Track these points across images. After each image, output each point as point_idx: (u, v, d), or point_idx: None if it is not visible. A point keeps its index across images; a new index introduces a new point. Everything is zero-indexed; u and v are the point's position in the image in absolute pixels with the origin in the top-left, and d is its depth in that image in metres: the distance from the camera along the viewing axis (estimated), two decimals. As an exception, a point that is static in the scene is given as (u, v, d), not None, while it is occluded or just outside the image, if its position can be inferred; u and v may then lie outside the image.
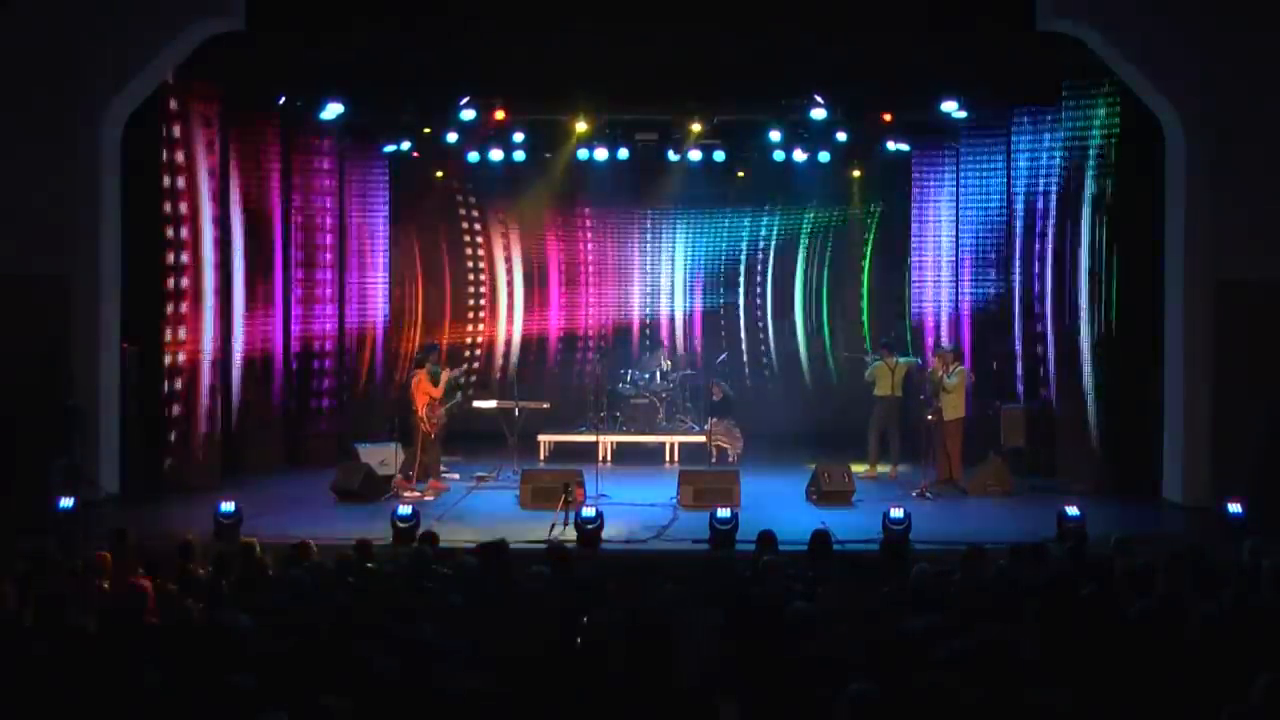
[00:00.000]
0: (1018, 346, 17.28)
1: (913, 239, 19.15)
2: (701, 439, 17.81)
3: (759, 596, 8.33)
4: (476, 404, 18.22)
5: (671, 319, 21.17)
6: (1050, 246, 16.52)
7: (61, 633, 7.21)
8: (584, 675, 6.80)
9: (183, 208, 15.78)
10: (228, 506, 13.07)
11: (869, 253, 20.74)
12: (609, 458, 17.90)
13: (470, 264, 21.10)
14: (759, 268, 21.14)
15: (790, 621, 7.60)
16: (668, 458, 18.16)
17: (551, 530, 13.05)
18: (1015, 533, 12.62)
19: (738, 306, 21.15)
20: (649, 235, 21.12)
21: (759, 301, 21.19)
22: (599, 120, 17.57)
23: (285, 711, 5.93)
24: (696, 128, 17.75)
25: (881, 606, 8.13)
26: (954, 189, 18.46)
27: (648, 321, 21.10)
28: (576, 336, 21.12)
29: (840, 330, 20.90)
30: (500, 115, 17.35)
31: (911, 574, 8.91)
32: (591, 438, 17.40)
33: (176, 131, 15.68)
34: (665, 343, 20.49)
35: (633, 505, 14.75)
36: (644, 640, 6.89)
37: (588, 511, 13.03)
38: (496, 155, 18.76)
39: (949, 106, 16.77)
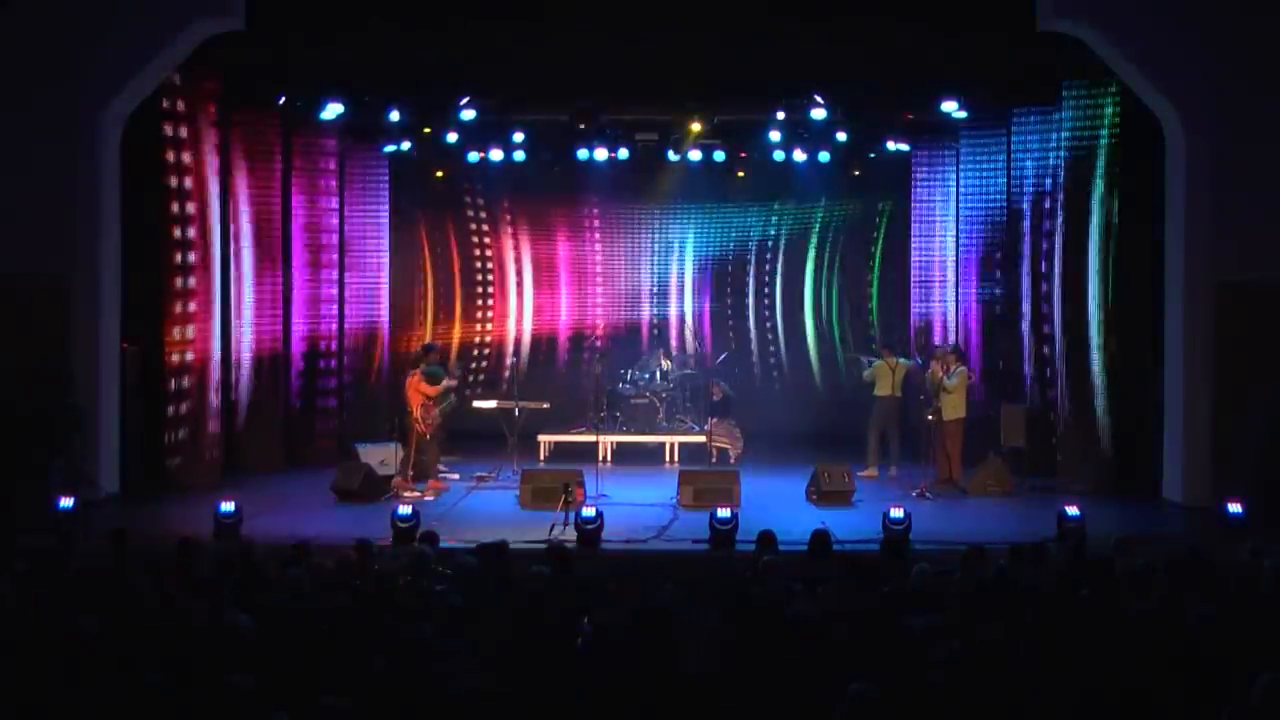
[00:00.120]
0: (1021, 347, 17.27)
1: (913, 239, 19.15)
2: (701, 439, 17.81)
3: (759, 596, 8.33)
4: (476, 404, 18.23)
5: (681, 319, 21.15)
6: (1050, 246, 16.51)
7: (61, 633, 7.21)
8: (586, 674, 6.81)
9: (182, 208, 15.77)
10: (228, 506, 13.07)
11: (878, 252, 20.68)
12: (609, 458, 17.90)
13: (470, 263, 21.09)
14: (766, 267, 21.12)
15: (790, 621, 7.61)
16: (668, 458, 18.16)
17: (551, 530, 13.05)
18: (1015, 533, 12.61)
19: (746, 306, 21.12)
20: (653, 235, 21.11)
21: (766, 301, 21.18)
22: (599, 120, 17.56)
23: (285, 711, 5.94)
24: (696, 127, 17.75)
25: (881, 606, 8.13)
26: (954, 189, 18.46)
27: (655, 322, 21.09)
28: (583, 336, 21.10)
29: (850, 330, 20.85)
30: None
31: (911, 574, 8.91)
32: (591, 438, 17.40)
33: (176, 132, 15.68)
34: (675, 342, 20.51)
35: (633, 505, 14.74)
36: (649, 638, 6.90)
37: (588, 511, 13.02)
38: (497, 155, 18.75)
39: (949, 106, 16.77)
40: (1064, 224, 16.18)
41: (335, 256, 18.51)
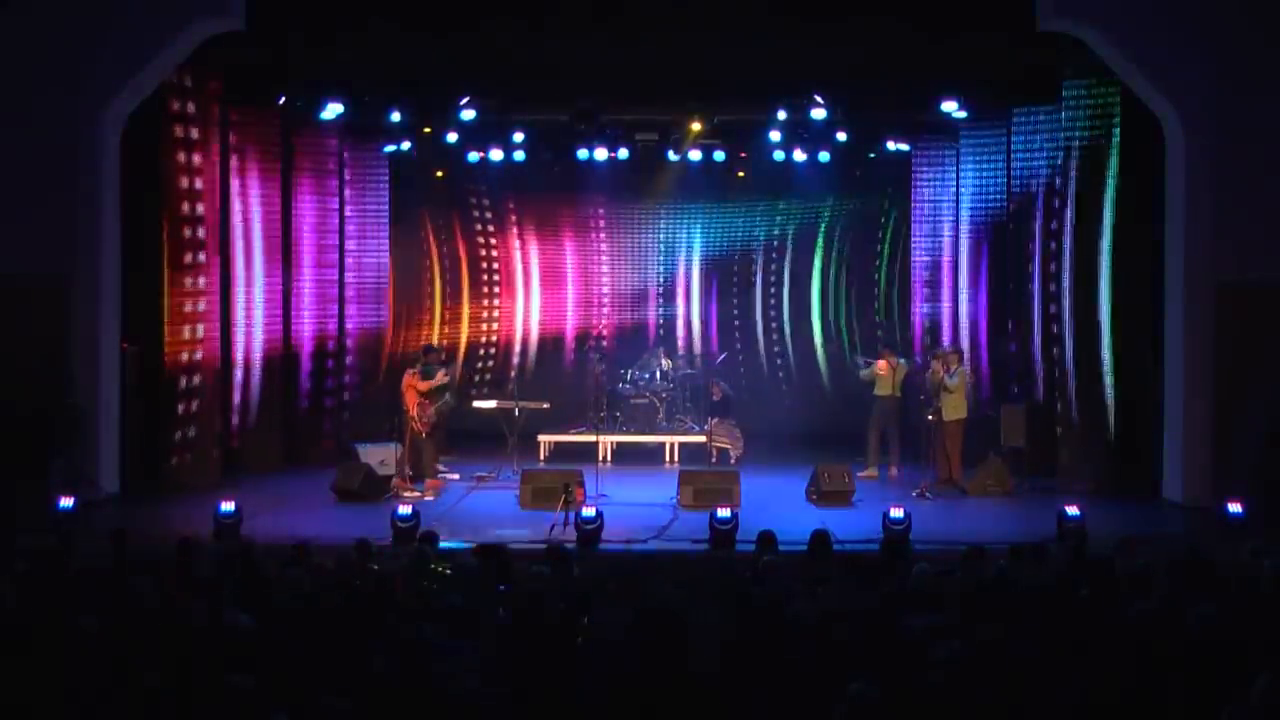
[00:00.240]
0: (1025, 346, 17.26)
1: (913, 239, 19.15)
2: (701, 439, 17.81)
3: (759, 596, 8.33)
4: (476, 404, 18.23)
5: (688, 319, 21.15)
6: (1050, 247, 16.51)
7: (61, 633, 7.21)
8: (588, 674, 6.81)
9: (182, 208, 15.78)
10: (228, 506, 13.07)
11: (885, 251, 20.63)
12: (609, 458, 17.90)
13: (459, 264, 21.08)
14: (773, 266, 21.09)
15: (790, 621, 7.61)
16: (668, 458, 18.16)
17: (551, 530, 13.05)
18: (1015, 533, 12.63)
19: (745, 306, 21.12)
20: (651, 235, 21.11)
21: (773, 301, 21.16)
22: (599, 120, 17.56)
23: (285, 712, 5.94)
24: (696, 127, 17.75)
25: (881, 606, 8.13)
26: (954, 189, 18.46)
27: (661, 321, 21.09)
28: (588, 336, 21.09)
29: (857, 330, 20.81)
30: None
31: (911, 574, 8.91)
32: (591, 438, 17.40)
33: (176, 132, 15.68)
34: (681, 342, 20.52)
35: (633, 505, 14.74)
36: (651, 638, 6.90)
37: (588, 511, 13.03)
38: (497, 155, 18.75)
39: (949, 106, 16.76)
40: (1064, 224, 16.18)
41: (335, 257, 18.51)
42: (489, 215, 21.07)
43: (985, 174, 17.83)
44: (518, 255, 21.16)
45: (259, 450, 17.41)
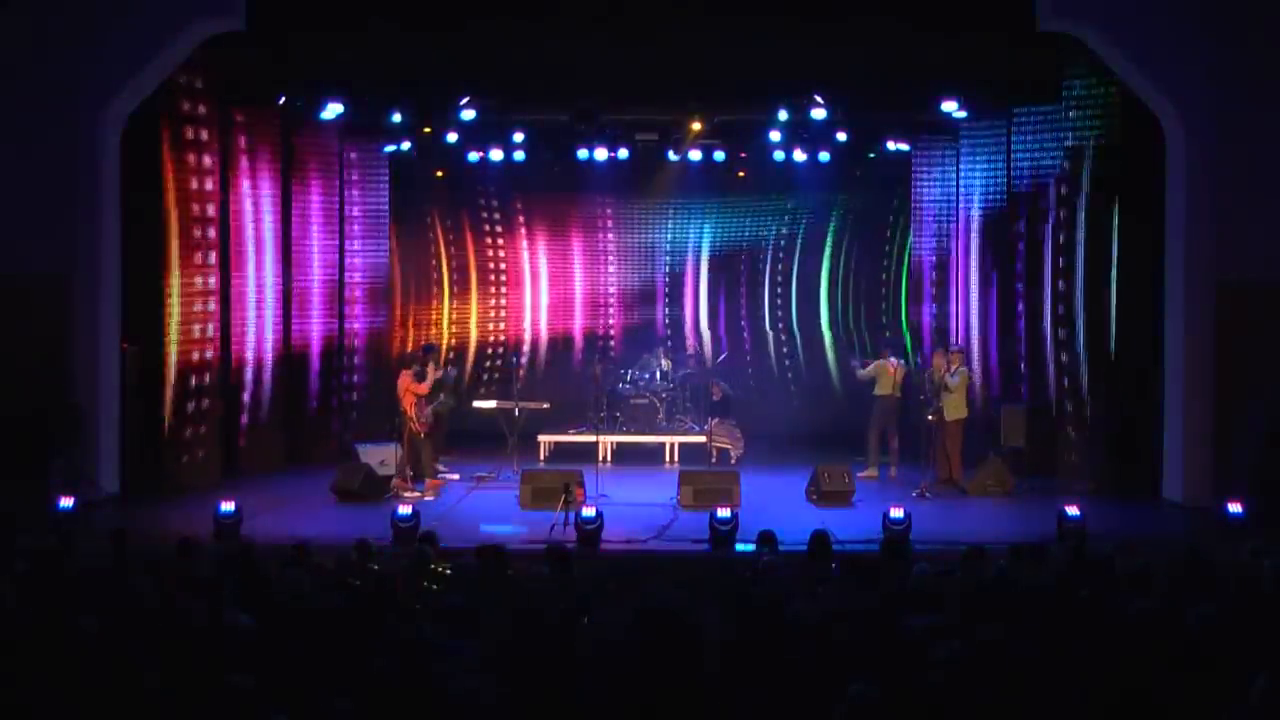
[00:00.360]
0: (1025, 346, 17.26)
1: (913, 239, 19.15)
2: (701, 439, 17.80)
3: (759, 596, 8.32)
4: (476, 404, 18.23)
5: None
6: (1050, 247, 16.52)
7: (61, 633, 7.21)
8: (588, 674, 6.80)
9: (182, 208, 15.77)
10: (228, 506, 13.07)
11: (891, 251, 20.58)
12: (609, 458, 17.90)
13: (472, 264, 21.09)
14: (780, 266, 21.07)
15: (790, 621, 7.60)
16: (668, 458, 18.16)
17: (551, 530, 13.05)
18: (1015, 533, 12.64)
19: (743, 305, 21.10)
20: (651, 235, 21.10)
21: (779, 301, 21.14)
22: (599, 120, 17.55)
23: (285, 712, 5.93)
24: (696, 127, 17.75)
25: (881, 606, 8.13)
26: (954, 189, 18.45)
27: (668, 321, 21.08)
28: (595, 336, 21.08)
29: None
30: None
31: (911, 574, 8.91)
32: (591, 438, 17.39)
33: (176, 132, 15.68)
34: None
35: (633, 505, 14.74)
36: (651, 639, 6.89)
37: (588, 511, 13.03)
38: (497, 155, 18.74)
39: (949, 106, 16.76)
40: (1064, 224, 16.19)
41: (335, 257, 18.50)
42: (496, 215, 21.03)
43: (985, 174, 17.82)
44: (525, 255, 21.12)
45: (259, 450, 17.40)
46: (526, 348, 21.08)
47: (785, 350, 21.17)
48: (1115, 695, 6.31)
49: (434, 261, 20.98)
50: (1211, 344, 14.87)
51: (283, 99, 17.17)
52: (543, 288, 21.20)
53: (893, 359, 16.88)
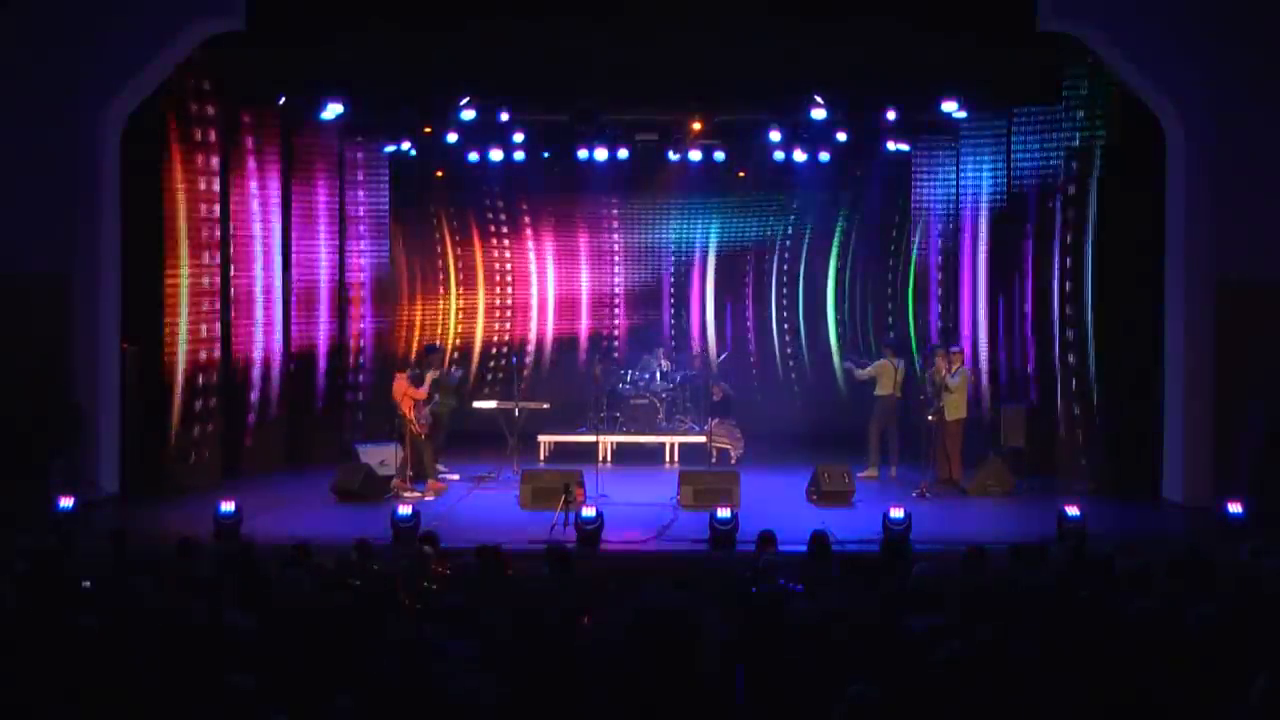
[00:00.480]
0: (1025, 346, 17.26)
1: (912, 240, 19.15)
2: (701, 439, 17.80)
3: (759, 596, 8.32)
4: (477, 404, 18.22)
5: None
6: (1050, 247, 16.51)
7: (61, 633, 7.21)
8: (588, 674, 6.80)
9: (182, 208, 15.78)
10: (228, 506, 13.08)
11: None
12: (609, 458, 17.90)
13: (479, 264, 21.08)
14: (776, 267, 21.04)
15: (790, 621, 7.60)
16: (668, 458, 18.16)
17: (551, 530, 13.05)
18: (1015, 533, 12.63)
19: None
20: (649, 235, 21.09)
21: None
22: (599, 120, 17.54)
23: (285, 712, 5.93)
24: (697, 127, 17.74)
25: (881, 606, 8.13)
26: (954, 189, 18.44)
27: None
28: (601, 337, 21.07)
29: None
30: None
31: (911, 574, 8.91)
32: (591, 438, 17.40)
33: (176, 132, 15.67)
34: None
35: (633, 505, 14.74)
36: (658, 637, 6.90)
37: (588, 512, 13.03)
38: (497, 155, 18.72)
39: (949, 106, 16.76)
40: (1064, 224, 16.18)
41: (335, 257, 18.50)
42: (500, 216, 20.99)
43: (985, 174, 17.82)
44: (529, 255, 21.09)
45: (259, 450, 17.40)
46: (532, 347, 21.06)
47: (789, 351, 21.12)
48: (1115, 695, 6.31)
49: (438, 262, 20.95)
50: (1211, 344, 14.87)
51: (283, 99, 17.17)
52: (549, 288, 21.13)
53: (893, 359, 16.88)
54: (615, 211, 21.05)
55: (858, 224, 20.81)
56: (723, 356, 20.18)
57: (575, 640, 7.76)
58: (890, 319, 20.10)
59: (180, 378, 15.81)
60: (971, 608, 8.06)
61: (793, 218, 20.90)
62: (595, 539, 12.80)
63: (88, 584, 8.77)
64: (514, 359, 19.33)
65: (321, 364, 18.35)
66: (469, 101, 16.94)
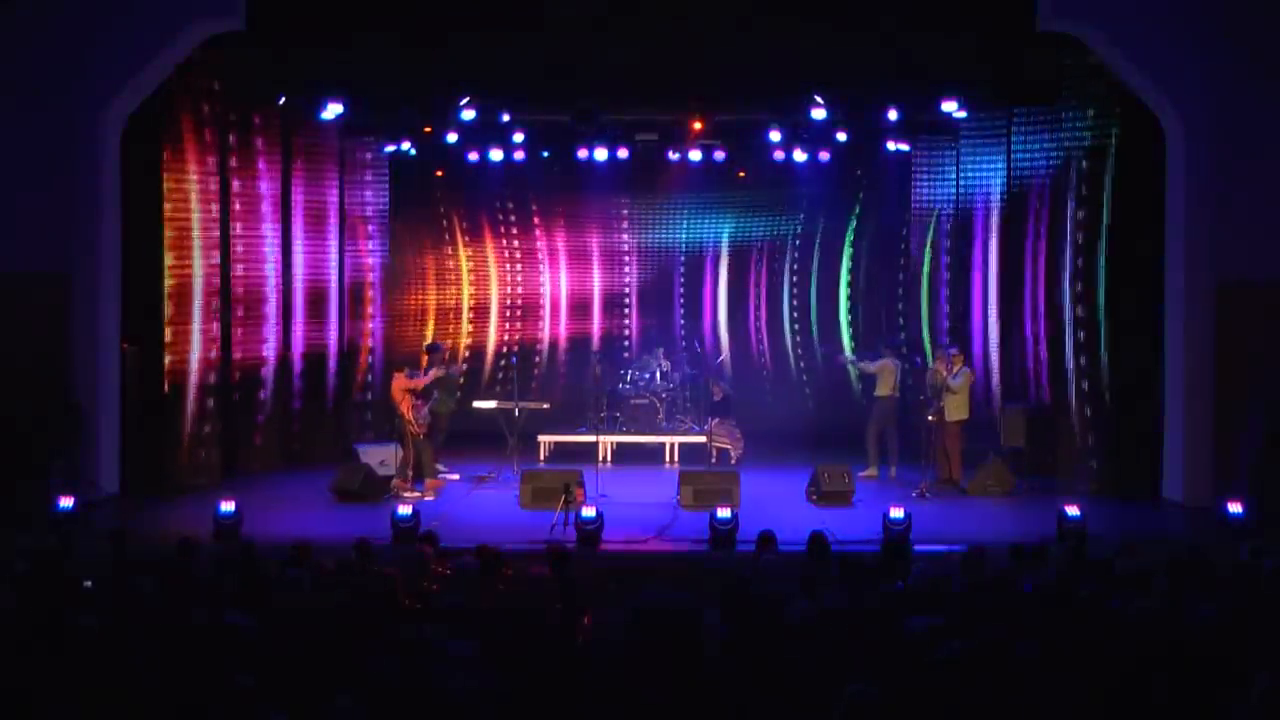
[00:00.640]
0: (1025, 346, 17.25)
1: (912, 240, 19.14)
2: (701, 439, 17.80)
3: (759, 596, 8.33)
4: (476, 404, 18.22)
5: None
6: (1050, 247, 16.51)
7: (61, 633, 7.22)
8: (588, 674, 6.81)
9: (182, 208, 15.77)
10: (228, 506, 13.07)
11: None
12: (609, 458, 17.90)
13: (468, 267, 21.08)
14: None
15: (790, 621, 7.61)
16: (668, 458, 18.15)
17: (551, 530, 13.05)
18: (1015, 533, 12.63)
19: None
20: (650, 235, 21.06)
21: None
22: (599, 120, 17.53)
23: (285, 712, 5.94)
24: (697, 127, 17.74)
25: (881, 606, 8.13)
26: (954, 189, 18.44)
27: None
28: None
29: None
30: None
31: (911, 574, 8.91)
32: (591, 438, 17.39)
33: (176, 132, 15.67)
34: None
35: (633, 505, 14.74)
36: (658, 637, 6.90)
37: (588, 512, 13.03)
38: (497, 155, 18.70)
39: (949, 106, 16.75)
40: (1063, 224, 16.17)
41: (335, 258, 18.50)
42: (502, 216, 20.93)
43: (985, 174, 17.81)
44: (537, 254, 21.06)
45: (259, 450, 17.40)
46: (545, 347, 21.02)
47: (800, 351, 21.03)
48: (1116, 695, 6.31)
49: (438, 262, 20.92)
50: (1211, 344, 14.87)
51: (283, 99, 17.17)
52: (562, 288, 21.09)
53: (892, 360, 16.87)
54: (625, 212, 20.97)
55: (865, 224, 20.68)
56: (721, 358, 20.15)
57: (575, 640, 7.77)
58: (901, 320, 20.06)
59: (180, 378, 15.76)
60: (971, 607, 8.07)
61: (803, 216, 20.80)
62: (595, 539, 12.80)
63: (88, 584, 8.78)
64: (513, 359, 19.29)
65: (322, 364, 18.31)
66: (469, 101, 16.94)
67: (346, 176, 18.61)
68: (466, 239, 21.01)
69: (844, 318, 20.85)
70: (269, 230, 17.42)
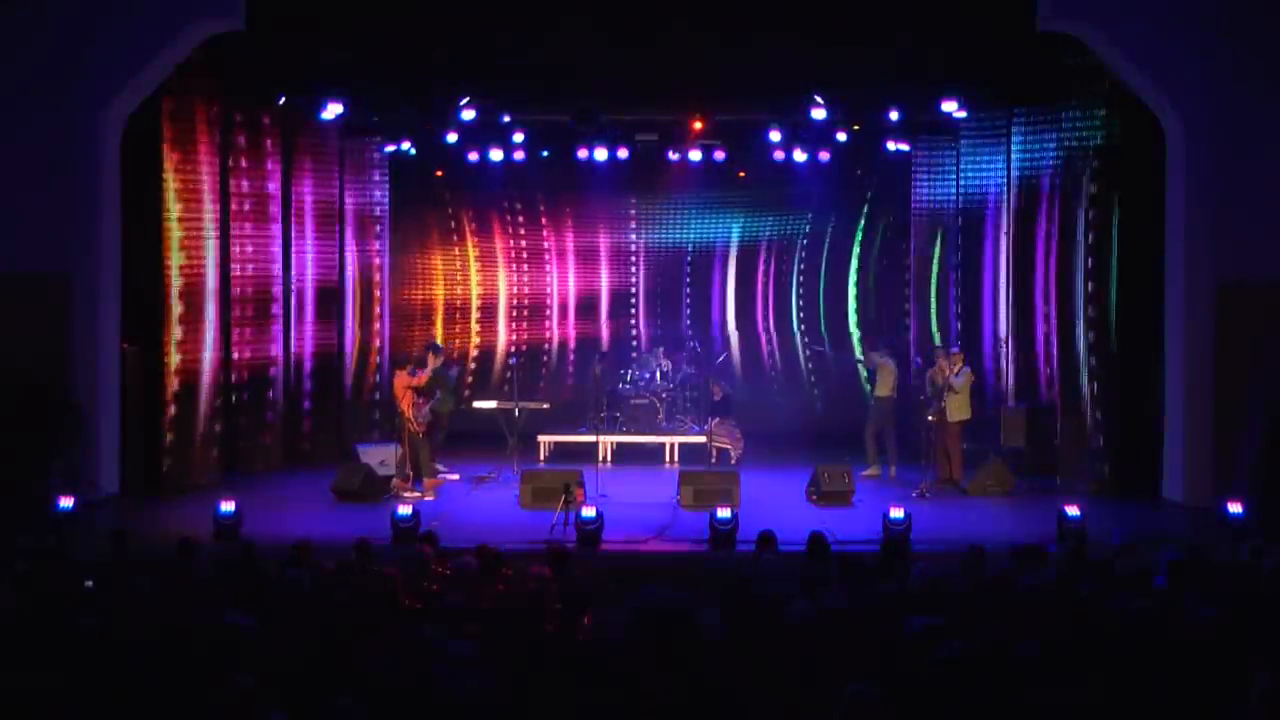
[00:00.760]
0: (1021, 347, 17.24)
1: (912, 240, 19.12)
2: (701, 439, 17.80)
3: (759, 596, 8.33)
4: (476, 404, 18.21)
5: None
6: (1050, 247, 16.50)
7: (61, 633, 7.22)
8: (591, 674, 6.80)
9: (183, 208, 15.77)
10: (228, 506, 13.07)
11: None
12: (609, 458, 17.90)
13: (468, 267, 21.07)
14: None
15: (790, 621, 7.61)
16: (668, 458, 18.15)
17: (551, 530, 13.05)
18: (1015, 533, 12.63)
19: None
20: (648, 235, 21.05)
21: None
22: (599, 120, 17.52)
23: (285, 712, 5.94)
24: (698, 127, 17.73)
25: (881, 606, 8.13)
26: (954, 189, 18.43)
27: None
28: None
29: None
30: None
31: (911, 574, 8.91)
32: (591, 438, 17.39)
33: (176, 132, 15.66)
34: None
35: (633, 505, 14.73)
36: (658, 637, 6.90)
37: (588, 512, 13.03)
38: (497, 155, 18.69)
39: (949, 106, 16.74)
40: (1063, 224, 16.17)
41: (335, 257, 18.50)
42: (503, 215, 20.93)
43: (985, 174, 17.80)
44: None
45: (259, 450, 17.40)
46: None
47: (808, 351, 21.00)
48: (1115, 695, 6.31)
49: (445, 261, 20.91)
50: (1211, 344, 14.87)
51: (283, 99, 17.17)
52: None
53: (890, 360, 16.87)
54: (632, 211, 20.95)
55: (873, 224, 20.64)
56: (721, 358, 20.14)
57: (575, 640, 7.76)
58: (906, 320, 20.03)
59: (180, 378, 15.75)
60: (971, 607, 8.07)
61: (811, 216, 20.75)
62: (595, 539, 12.80)
63: (88, 584, 8.78)
64: (513, 359, 19.28)
65: (328, 364, 18.33)
66: (469, 101, 16.93)
67: (347, 176, 18.62)
68: (475, 239, 20.96)
69: (852, 318, 20.82)
70: (268, 230, 17.40)
